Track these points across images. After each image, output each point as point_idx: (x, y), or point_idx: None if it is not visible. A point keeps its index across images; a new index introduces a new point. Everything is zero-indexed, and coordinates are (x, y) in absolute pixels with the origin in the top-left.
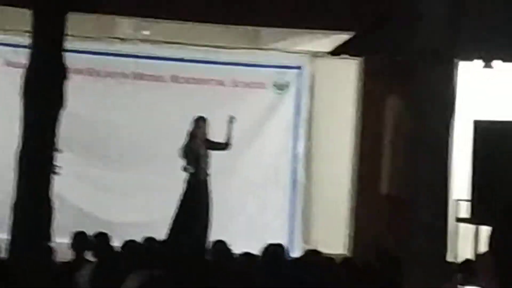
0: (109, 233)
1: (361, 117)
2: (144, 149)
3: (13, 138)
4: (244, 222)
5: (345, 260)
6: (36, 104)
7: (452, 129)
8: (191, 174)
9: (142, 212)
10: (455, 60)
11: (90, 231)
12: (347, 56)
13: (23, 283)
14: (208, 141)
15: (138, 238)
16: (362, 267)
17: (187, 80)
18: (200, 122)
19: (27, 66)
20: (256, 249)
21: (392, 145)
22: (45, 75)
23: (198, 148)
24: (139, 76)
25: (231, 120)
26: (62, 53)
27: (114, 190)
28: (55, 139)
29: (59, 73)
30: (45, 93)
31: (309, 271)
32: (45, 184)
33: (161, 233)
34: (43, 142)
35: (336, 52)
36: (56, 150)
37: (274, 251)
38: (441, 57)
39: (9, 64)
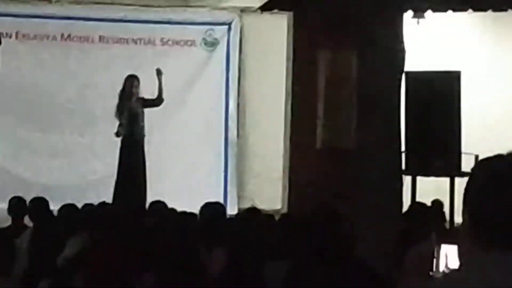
0: (46, 197)
1: (293, 70)
2: (77, 110)
3: None
4: (177, 180)
5: (284, 216)
6: None
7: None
8: (126, 134)
9: (77, 174)
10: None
11: (26, 196)
12: (276, 11)
13: None
14: (141, 99)
15: (75, 200)
16: (302, 223)
17: (116, 40)
18: (131, 80)
19: None
20: (190, 207)
21: (327, 97)
22: None
23: (132, 107)
24: (68, 38)
25: (159, 72)
26: None
27: (47, 153)
28: None
29: None
30: None
31: (249, 229)
32: None
33: (97, 195)
34: None
35: (267, 7)
36: None
37: (213, 209)
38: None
39: None
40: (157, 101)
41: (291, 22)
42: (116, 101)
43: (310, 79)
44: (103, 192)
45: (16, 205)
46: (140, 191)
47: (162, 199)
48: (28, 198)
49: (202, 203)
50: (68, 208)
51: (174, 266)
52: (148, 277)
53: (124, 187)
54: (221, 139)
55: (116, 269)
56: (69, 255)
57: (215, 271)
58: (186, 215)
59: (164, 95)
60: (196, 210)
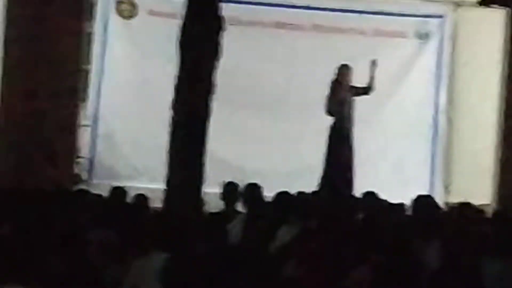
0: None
1: (509, 68)
2: (287, 98)
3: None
4: (385, 172)
5: (497, 212)
6: (192, 55)
7: None
8: (336, 122)
9: (288, 162)
10: None
11: (238, 182)
12: (495, 5)
13: (176, 233)
14: (352, 87)
15: (286, 187)
16: None
17: (328, 29)
18: (344, 69)
19: (183, 17)
20: (398, 200)
21: None
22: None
23: (342, 96)
24: (281, 25)
25: (374, 63)
26: (218, 3)
27: (260, 140)
28: (212, 90)
29: (215, 24)
30: (201, 44)
31: (464, 223)
32: (200, 135)
33: (306, 182)
34: (199, 93)
35: (486, 1)
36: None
37: (425, 202)
38: None
39: (153, 13)
40: (367, 89)
41: (510, 19)
42: (327, 90)
43: None
44: (310, 180)
45: (229, 190)
46: (349, 181)
47: (371, 189)
48: (238, 184)
49: (409, 196)
50: (282, 196)
51: (389, 259)
52: (363, 270)
53: (331, 177)
54: (430, 132)
55: (328, 260)
56: (282, 243)
57: (431, 265)
58: (399, 207)
59: (375, 86)
60: (404, 201)
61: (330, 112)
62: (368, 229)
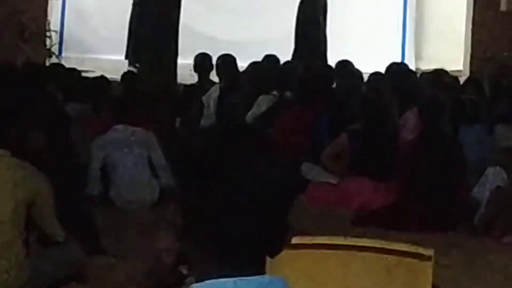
0: (232, 53)
1: None
2: None
3: None
4: (357, 40)
5: (470, 79)
6: None
7: None
8: None
9: (261, 31)
10: None
11: (210, 53)
12: None
13: (150, 104)
14: None
15: (257, 57)
16: (489, 85)
17: None
18: None
19: None
20: (370, 67)
21: None
22: None
23: None
24: None
25: None
26: None
27: (233, 11)
28: None
29: None
30: None
31: (439, 90)
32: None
33: (278, 51)
34: None
35: None
36: None
37: (399, 70)
38: None
39: None
40: None
41: None
42: None
43: None
44: (282, 50)
45: (202, 61)
46: (322, 52)
47: (342, 57)
48: (211, 55)
49: (381, 63)
50: (256, 66)
51: (367, 127)
52: (342, 138)
53: (304, 47)
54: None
55: (306, 128)
56: (259, 112)
57: (408, 132)
58: (375, 75)
59: None
60: (376, 68)
61: None
62: (344, 98)
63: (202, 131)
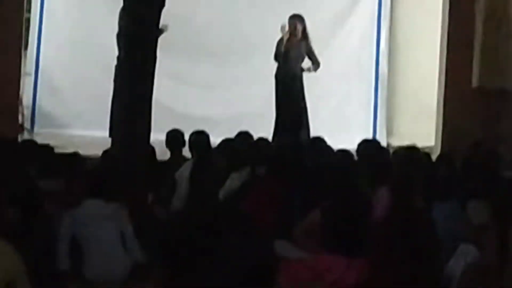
0: (204, 129)
1: (450, 3)
2: (232, 44)
3: None
4: (328, 114)
5: (442, 156)
6: (135, 3)
7: None
8: (280, 67)
9: (233, 107)
10: None
11: (182, 129)
12: None
13: (125, 181)
14: (306, 41)
15: (231, 133)
16: (462, 162)
17: None
18: (292, 21)
19: None
20: (342, 142)
21: (486, 32)
22: None
23: (289, 44)
24: None
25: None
26: None
27: (205, 87)
28: (156, 38)
29: None
30: None
31: (411, 167)
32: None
33: (254, 126)
34: (144, 40)
35: None
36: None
37: (370, 146)
38: None
39: None
40: (315, 66)
41: None
42: (272, 36)
43: (468, 16)
44: (259, 125)
45: (175, 137)
46: (301, 125)
47: (313, 134)
48: (183, 131)
49: (352, 139)
50: (229, 143)
51: (339, 204)
52: (314, 215)
53: (284, 122)
54: (372, 74)
55: (278, 204)
56: (232, 188)
57: (380, 210)
58: (346, 153)
59: (316, 31)
60: (347, 145)
61: (276, 58)
62: (316, 175)
63: (177, 212)
